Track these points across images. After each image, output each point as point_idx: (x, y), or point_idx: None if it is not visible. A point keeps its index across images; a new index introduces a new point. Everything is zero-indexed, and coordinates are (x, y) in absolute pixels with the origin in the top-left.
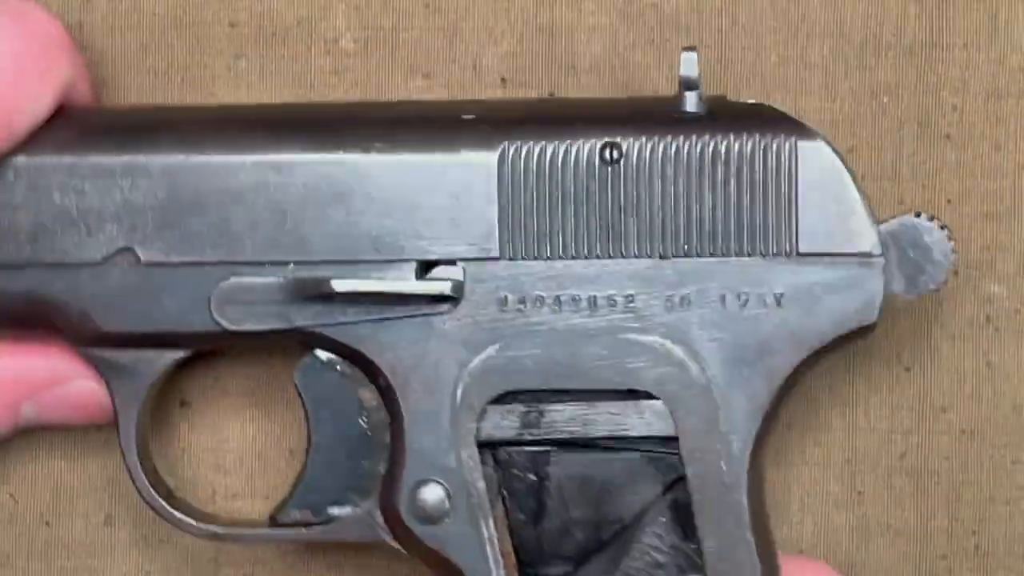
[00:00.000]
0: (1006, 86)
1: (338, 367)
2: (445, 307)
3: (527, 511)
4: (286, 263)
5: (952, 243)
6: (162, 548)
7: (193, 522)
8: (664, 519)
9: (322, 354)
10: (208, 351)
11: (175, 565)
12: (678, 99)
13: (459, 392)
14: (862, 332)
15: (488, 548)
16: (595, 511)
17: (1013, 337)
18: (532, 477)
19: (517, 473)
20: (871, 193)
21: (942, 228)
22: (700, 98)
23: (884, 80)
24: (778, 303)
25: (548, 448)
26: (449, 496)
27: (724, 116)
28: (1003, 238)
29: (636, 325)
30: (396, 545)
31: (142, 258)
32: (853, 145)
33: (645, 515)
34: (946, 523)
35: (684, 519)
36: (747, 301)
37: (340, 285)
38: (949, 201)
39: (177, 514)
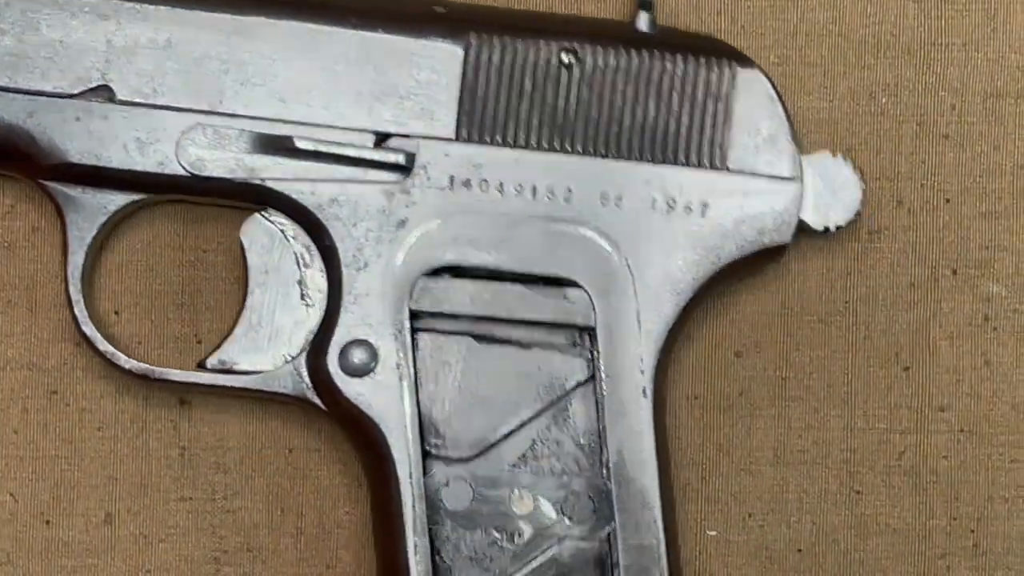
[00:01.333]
0: (1004, 86)
1: (283, 230)
2: (396, 177)
3: (433, 393)
4: (254, 117)
5: (863, 185)
6: (162, 548)
7: (124, 356)
8: (566, 416)
9: (269, 215)
10: (165, 200)
11: (175, 564)
12: (633, 19)
13: (398, 259)
14: (775, 252)
15: (406, 409)
16: (495, 403)
17: (1011, 336)
18: (443, 360)
19: (429, 355)
20: (870, 193)
21: (856, 170)
22: (653, 20)
23: (883, 79)
24: (702, 212)
25: (462, 335)
26: (376, 356)
27: (673, 39)
28: (1001, 237)
29: (571, 216)
30: (317, 401)
31: (117, 96)
32: (852, 144)
33: (543, 413)
34: (944, 522)
35: (580, 421)
36: (674, 206)
37: (302, 143)
38: (948, 200)
39: (110, 347)
